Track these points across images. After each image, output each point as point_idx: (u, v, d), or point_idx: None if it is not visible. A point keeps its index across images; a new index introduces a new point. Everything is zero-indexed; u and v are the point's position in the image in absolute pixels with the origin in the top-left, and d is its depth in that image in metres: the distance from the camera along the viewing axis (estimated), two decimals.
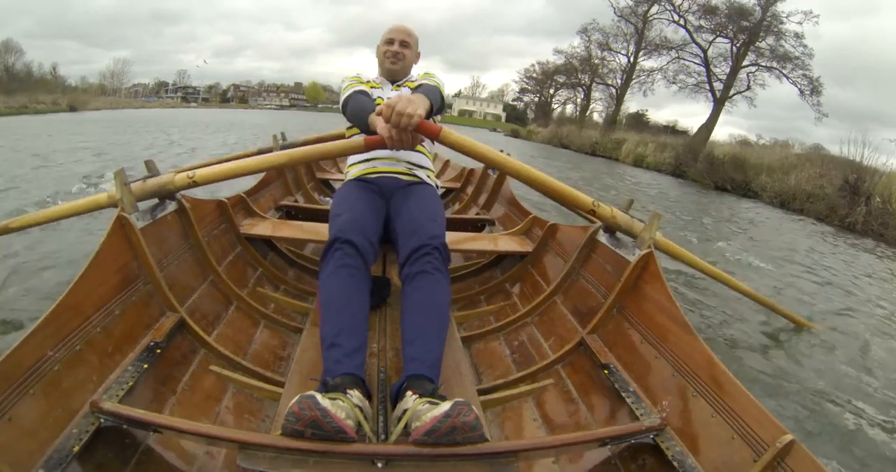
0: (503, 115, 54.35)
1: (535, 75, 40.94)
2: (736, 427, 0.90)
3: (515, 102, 52.29)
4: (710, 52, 23.22)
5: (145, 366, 1.02)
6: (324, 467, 0.80)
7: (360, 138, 1.29)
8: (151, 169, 1.39)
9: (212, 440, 0.89)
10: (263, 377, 1.27)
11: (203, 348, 1.25)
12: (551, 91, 39.90)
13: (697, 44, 23.34)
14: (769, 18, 21.22)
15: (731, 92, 22.64)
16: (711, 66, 23.24)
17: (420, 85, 1.49)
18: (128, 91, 50.64)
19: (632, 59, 27.61)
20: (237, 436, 0.84)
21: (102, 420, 0.85)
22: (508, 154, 1.81)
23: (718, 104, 22.41)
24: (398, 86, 1.67)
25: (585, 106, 33.41)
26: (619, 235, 1.50)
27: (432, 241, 1.18)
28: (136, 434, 0.90)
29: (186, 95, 57.35)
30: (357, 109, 1.41)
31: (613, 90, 29.94)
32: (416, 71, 1.74)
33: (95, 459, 0.82)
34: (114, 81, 47.92)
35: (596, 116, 33.80)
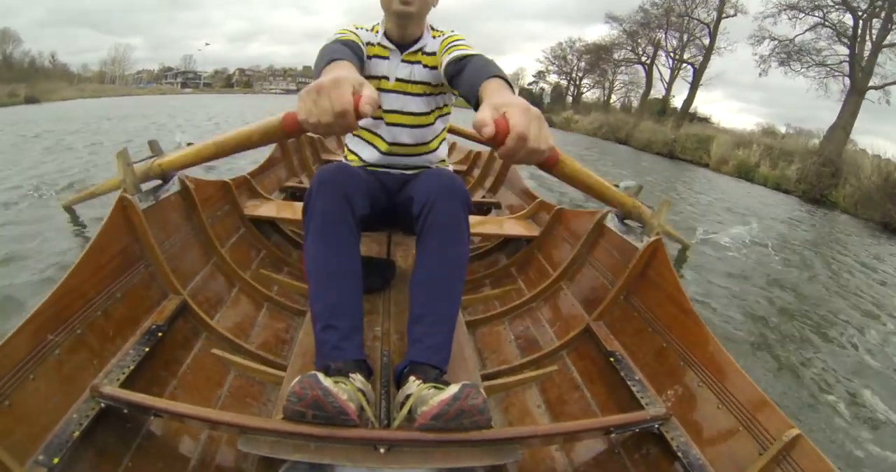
0: None
1: (564, 55, 35.87)
2: (742, 419, 0.89)
3: (531, 87, 51.17)
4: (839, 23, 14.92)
5: (147, 350, 1.01)
6: (325, 452, 0.79)
7: (276, 119, 0.91)
8: (155, 150, 1.37)
9: (213, 425, 0.89)
10: (266, 361, 1.27)
11: (205, 331, 1.24)
12: (580, 74, 35.03)
13: (849, 6, 14.96)
14: None
15: (875, 81, 14.51)
16: (839, 45, 15.15)
17: (483, 68, 0.94)
18: (132, 77, 49.90)
19: (712, 28, 21.15)
20: (238, 421, 0.83)
21: (103, 405, 0.84)
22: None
23: (857, 95, 14.89)
24: (412, 55, 1.23)
25: (647, 88, 26.30)
26: (627, 221, 1.47)
27: (456, 189, 1.02)
28: (138, 419, 0.90)
29: (186, 80, 56.52)
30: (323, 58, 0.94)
31: (670, 69, 23.74)
32: (431, 22, 1.27)
33: (96, 444, 0.82)
34: (115, 67, 47.05)
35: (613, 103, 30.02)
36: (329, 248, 0.98)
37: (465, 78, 0.98)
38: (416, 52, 1.23)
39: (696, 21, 22.35)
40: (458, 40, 1.16)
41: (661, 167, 11.68)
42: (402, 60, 1.23)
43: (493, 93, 0.80)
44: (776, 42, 16.99)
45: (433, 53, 1.22)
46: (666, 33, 23.92)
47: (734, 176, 11.73)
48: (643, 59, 26.65)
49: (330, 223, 0.98)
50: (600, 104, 30.33)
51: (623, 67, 29.35)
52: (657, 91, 26.31)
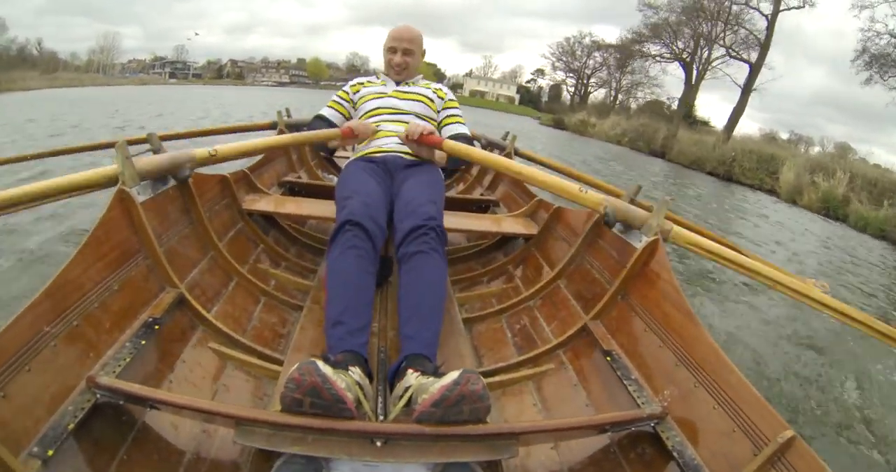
0: (516, 97, 51.82)
1: (572, 50, 34.14)
2: (737, 420, 0.89)
3: (528, 84, 50.74)
4: None
5: (143, 342, 1.01)
6: (322, 444, 0.79)
7: (338, 131, 1.56)
8: (153, 142, 1.35)
9: (209, 417, 0.88)
10: (262, 355, 1.27)
11: (202, 325, 1.24)
12: (588, 71, 33.72)
13: None
14: None
15: None
16: None
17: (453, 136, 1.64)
18: (121, 66, 48.80)
19: (769, 16, 18.26)
20: (234, 412, 0.83)
21: (99, 396, 0.84)
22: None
23: None
24: (404, 85, 1.75)
25: (687, 89, 22.66)
26: (627, 220, 1.48)
27: (429, 222, 1.20)
28: (133, 411, 0.89)
29: (175, 70, 55.26)
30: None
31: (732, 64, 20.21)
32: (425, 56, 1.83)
33: (92, 436, 0.81)
34: (103, 56, 45.66)
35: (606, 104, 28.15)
36: (350, 269, 1.12)
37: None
38: (407, 82, 1.75)
39: (751, 10, 19.19)
40: (453, 109, 1.75)
41: (718, 192, 9.78)
42: (397, 86, 1.74)
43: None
44: None
45: (424, 92, 1.73)
46: (726, 26, 20.44)
47: (817, 212, 9.40)
48: (683, 55, 23.02)
49: (354, 258, 1.14)
50: (607, 105, 28.42)
51: (659, 63, 25.95)
52: (666, 92, 24.51)
